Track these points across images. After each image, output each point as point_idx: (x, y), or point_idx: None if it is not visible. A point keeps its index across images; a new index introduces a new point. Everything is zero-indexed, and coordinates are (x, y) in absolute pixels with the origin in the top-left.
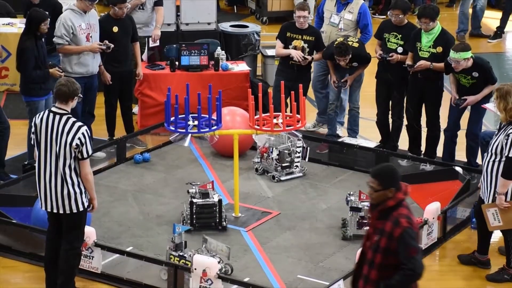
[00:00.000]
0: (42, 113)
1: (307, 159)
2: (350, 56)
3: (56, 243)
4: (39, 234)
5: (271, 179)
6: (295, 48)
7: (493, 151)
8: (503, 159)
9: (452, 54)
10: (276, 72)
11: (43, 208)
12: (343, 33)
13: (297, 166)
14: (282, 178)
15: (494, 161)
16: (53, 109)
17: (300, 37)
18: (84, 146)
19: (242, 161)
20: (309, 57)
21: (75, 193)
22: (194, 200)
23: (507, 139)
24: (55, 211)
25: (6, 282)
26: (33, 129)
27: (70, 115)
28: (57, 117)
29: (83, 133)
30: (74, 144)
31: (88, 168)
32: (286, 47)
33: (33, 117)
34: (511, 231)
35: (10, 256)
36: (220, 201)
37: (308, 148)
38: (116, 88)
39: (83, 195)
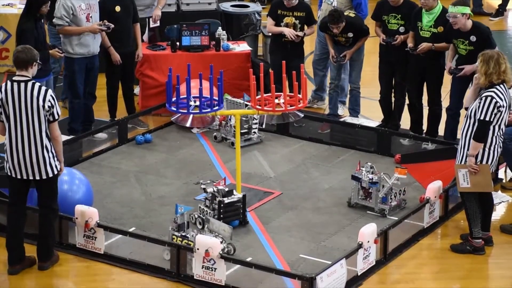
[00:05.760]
0: (3, 85)
1: (264, 126)
2: (344, 24)
3: (21, 220)
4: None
5: (230, 145)
6: (286, 25)
7: (469, 115)
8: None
9: (450, 8)
10: (269, 51)
11: (13, 175)
12: None
13: (254, 132)
14: (241, 145)
15: (469, 125)
16: (16, 78)
17: (291, 13)
18: (54, 107)
19: (244, 141)
20: (301, 33)
21: (49, 157)
22: (220, 199)
23: (479, 102)
24: (31, 177)
25: (5, 262)
26: None
27: (34, 80)
28: (22, 84)
29: (51, 95)
30: (46, 106)
31: (58, 130)
32: (277, 24)
33: None
34: (472, 202)
35: None
36: (244, 196)
37: (265, 115)
38: (117, 69)
39: (55, 158)
